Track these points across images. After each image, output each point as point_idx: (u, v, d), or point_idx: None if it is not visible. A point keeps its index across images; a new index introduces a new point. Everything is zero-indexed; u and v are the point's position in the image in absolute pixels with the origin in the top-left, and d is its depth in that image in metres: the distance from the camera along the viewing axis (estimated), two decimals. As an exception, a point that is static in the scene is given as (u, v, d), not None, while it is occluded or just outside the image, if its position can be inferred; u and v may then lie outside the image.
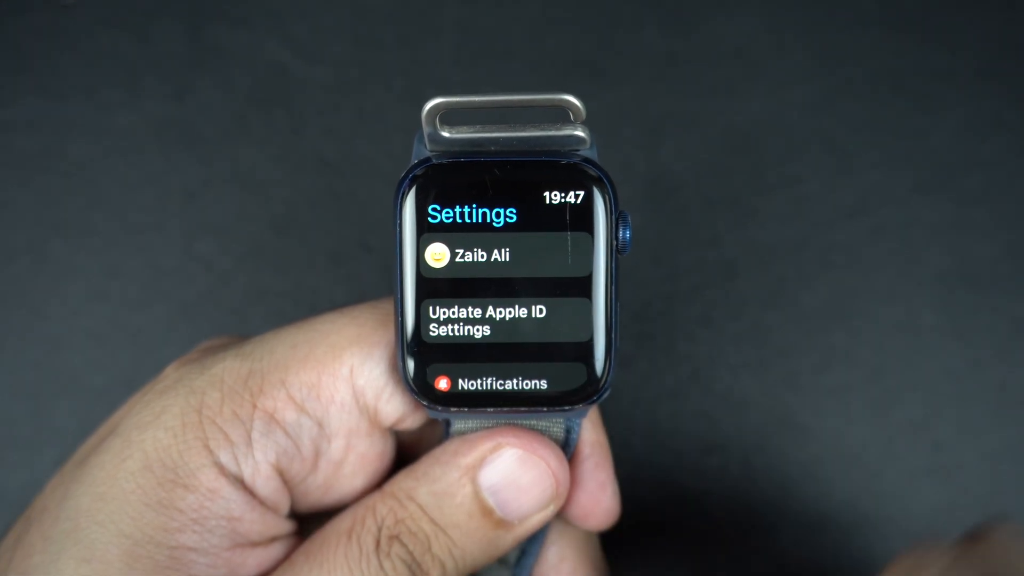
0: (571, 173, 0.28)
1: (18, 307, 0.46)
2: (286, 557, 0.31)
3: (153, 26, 0.47)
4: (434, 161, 0.28)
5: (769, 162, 0.47)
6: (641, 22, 0.48)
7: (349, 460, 0.31)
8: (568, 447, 0.31)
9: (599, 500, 0.32)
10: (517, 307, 0.28)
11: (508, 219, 0.28)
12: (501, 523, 0.30)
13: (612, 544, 0.37)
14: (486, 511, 0.30)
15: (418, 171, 0.28)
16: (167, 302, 0.46)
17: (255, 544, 0.30)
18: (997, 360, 0.46)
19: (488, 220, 0.28)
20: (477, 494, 0.30)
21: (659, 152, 0.47)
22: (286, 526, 0.31)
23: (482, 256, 0.28)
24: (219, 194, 0.46)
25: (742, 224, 0.46)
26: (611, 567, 0.36)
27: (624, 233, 0.28)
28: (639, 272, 0.46)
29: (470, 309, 0.28)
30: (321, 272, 0.46)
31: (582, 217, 0.28)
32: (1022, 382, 0.45)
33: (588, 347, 0.28)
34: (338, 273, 0.46)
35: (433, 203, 0.28)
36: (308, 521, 0.33)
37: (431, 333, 0.28)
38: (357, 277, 0.46)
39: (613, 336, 0.28)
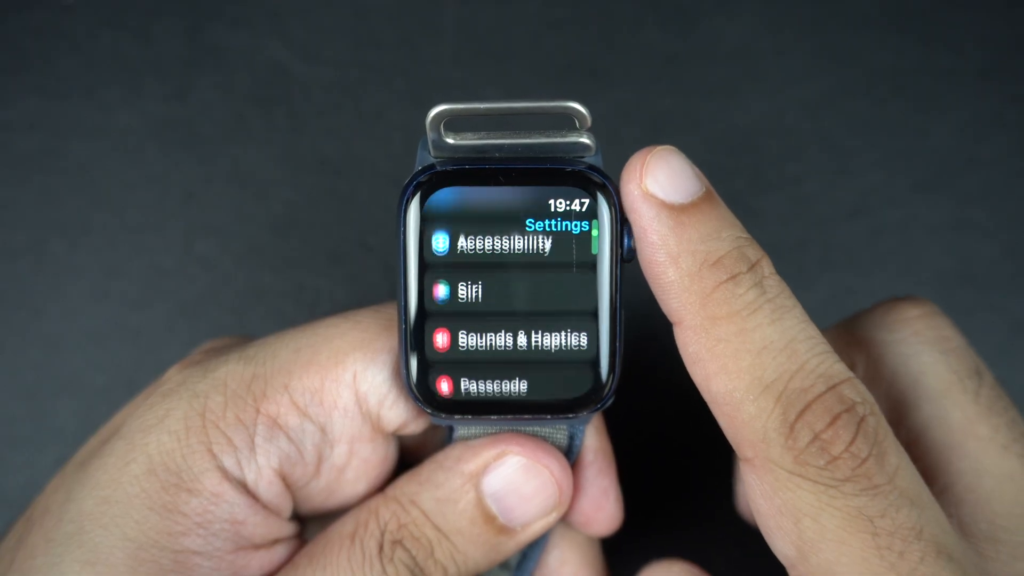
0: (576, 180, 0.28)
1: (18, 307, 0.46)
2: (289, 559, 0.31)
3: (153, 26, 0.47)
4: (438, 168, 0.28)
5: (769, 162, 0.47)
6: (641, 22, 0.48)
7: (352, 465, 0.31)
8: (571, 454, 0.31)
9: (602, 506, 0.32)
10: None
11: None
12: (504, 529, 0.30)
13: (613, 547, 0.37)
14: (489, 518, 0.30)
15: (422, 178, 0.28)
16: (167, 302, 0.46)
17: (258, 547, 0.30)
18: (997, 360, 0.46)
19: None
20: (480, 501, 0.30)
21: (659, 152, 0.47)
22: (289, 529, 0.31)
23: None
24: (219, 194, 0.46)
25: (742, 224, 0.46)
26: (611, 570, 0.36)
27: (629, 241, 0.28)
28: (639, 273, 0.46)
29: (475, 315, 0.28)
30: (321, 272, 0.46)
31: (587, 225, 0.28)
32: (1022, 382, 0.46)
33: (593, 354, 0.28)
34: (338, 273, 0.46)
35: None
36: (311, 523, 0.33)
37: (435, 339, 0.28)
38: (357, 277, 0.46)
39: (617, 343, 0.28)
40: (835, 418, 0.25)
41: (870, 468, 0.25)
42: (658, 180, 0.27)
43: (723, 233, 0.27)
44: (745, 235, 0.28)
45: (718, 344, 0.27)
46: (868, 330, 0.33)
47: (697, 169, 0.28)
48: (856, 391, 0.26)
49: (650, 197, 0.27)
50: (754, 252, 0.27)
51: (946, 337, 0.32)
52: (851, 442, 0.25)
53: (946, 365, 0.31)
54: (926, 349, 0.31)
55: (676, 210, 0.27)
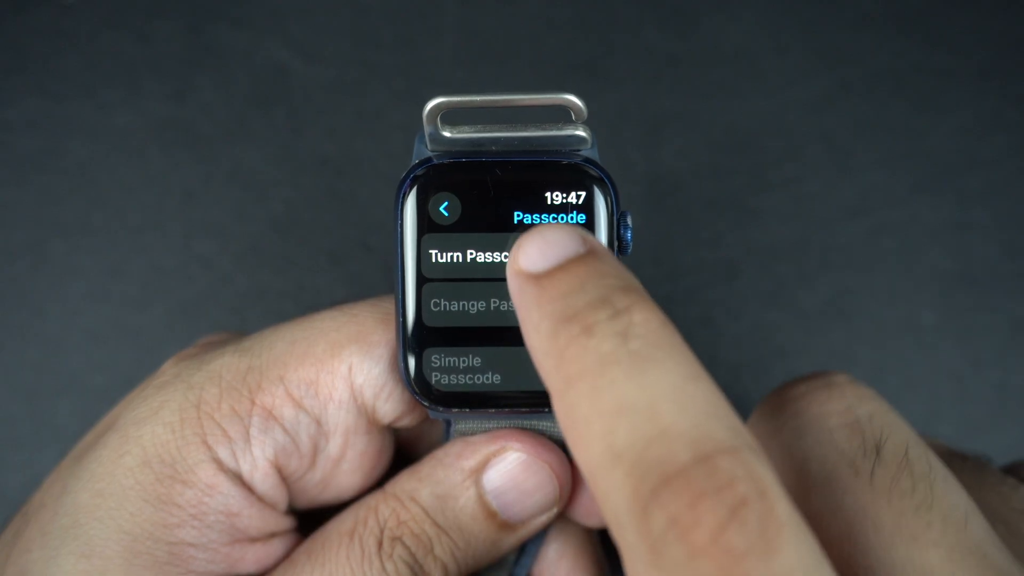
0: (572, 173, 0.28)
1: (18, 307, 0.46)
2: (286, 553, 0.31)
3: (153, 26, 0.47)
4: (435, 161, 0.28)
5: (769, 162, 0.47)
6: (641, 22, 0.48)
7: (347, 457, 0.31)
8: (570, 448, 0.31)
9: None
10: None
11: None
12: (504, 525, 0.30)
13: (611, 542, 0.37)
14: (489, 514, 0.30)
15: (419, 171, 0.28)
16: (167, 302, 0.46)
17: (254, 540, 0.30)
18: (997, 360, 0.46)
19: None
20: (480, 497, 0.30)
21: (659, 152, 0.47)
22: (285, 522, 0.31)
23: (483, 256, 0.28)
24: (219, 194, 0.46)
25: (742, 224, 0.46)
26: (610, 564, 0.36)
27: (625, 233, 0.28)
28: (639, 272, 0.46)
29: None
30: (321, 272, 0.46)
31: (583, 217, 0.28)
32: (1022, 382, 0.45)
33: None
34: (338, 273, 0.46)
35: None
36: (307, 517, 0.33)
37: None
38: (357, 277, 0.46)
39: None
40: (698, 498, 0.20)
41: (750, 567, 0.19)
42: (529, 254, 0.24)
43: (588, 285, 0.24)
44: (623, 282, 0.24)
45: (572, 409, 0.23)
46: (758, 422, 0.29)
47: (582, 234, 0.25)
48: (739, 464, 0.20)
49: (517, 273, 0.25)
50: (625, 298, 0.23)
51: (836, 412, 0.27)
52: (721, 531, 0.20)
53: (832, 446, 0.26)
54: (809, 430, 0.27)
55: (538, 277, 0.24)
